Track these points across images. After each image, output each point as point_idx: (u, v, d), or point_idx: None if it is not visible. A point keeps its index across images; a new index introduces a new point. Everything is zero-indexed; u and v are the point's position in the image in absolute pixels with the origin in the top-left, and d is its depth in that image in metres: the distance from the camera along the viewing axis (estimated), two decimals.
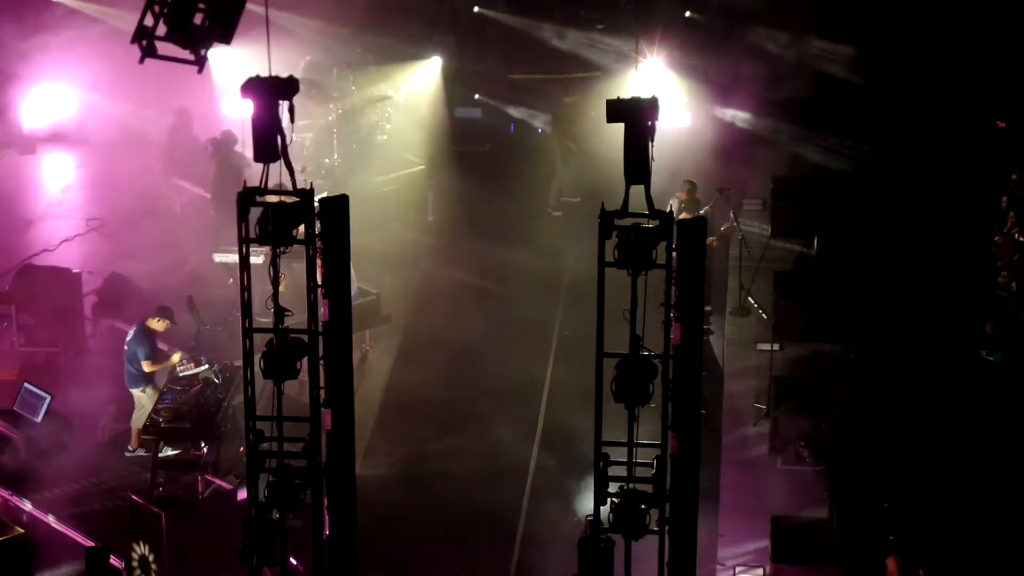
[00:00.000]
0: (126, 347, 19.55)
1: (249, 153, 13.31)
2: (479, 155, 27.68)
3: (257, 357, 13.19)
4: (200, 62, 12.83)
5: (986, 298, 22.73)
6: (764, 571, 17.50)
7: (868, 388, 21.21)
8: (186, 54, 12.79)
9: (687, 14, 29.35)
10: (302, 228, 12.97)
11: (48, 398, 18.96)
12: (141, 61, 12.79)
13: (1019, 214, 23.19)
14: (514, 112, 28.25)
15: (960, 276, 23.65)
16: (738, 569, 17.75)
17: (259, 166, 12.88)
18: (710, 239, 21.13)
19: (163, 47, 12.83)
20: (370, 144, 26.31)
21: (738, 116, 27.41)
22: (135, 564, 16.46)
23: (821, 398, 19.95)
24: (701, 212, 22.62)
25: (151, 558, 16.31)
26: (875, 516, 17.80)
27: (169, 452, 18.48)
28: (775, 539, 17.31)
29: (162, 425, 18.40)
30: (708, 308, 21.42)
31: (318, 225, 12.91)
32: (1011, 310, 21.91)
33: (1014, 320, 21.85)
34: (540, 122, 28.14)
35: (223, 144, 24.10)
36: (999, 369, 21.17)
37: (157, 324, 19.51)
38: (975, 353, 21.63)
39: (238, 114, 23.24)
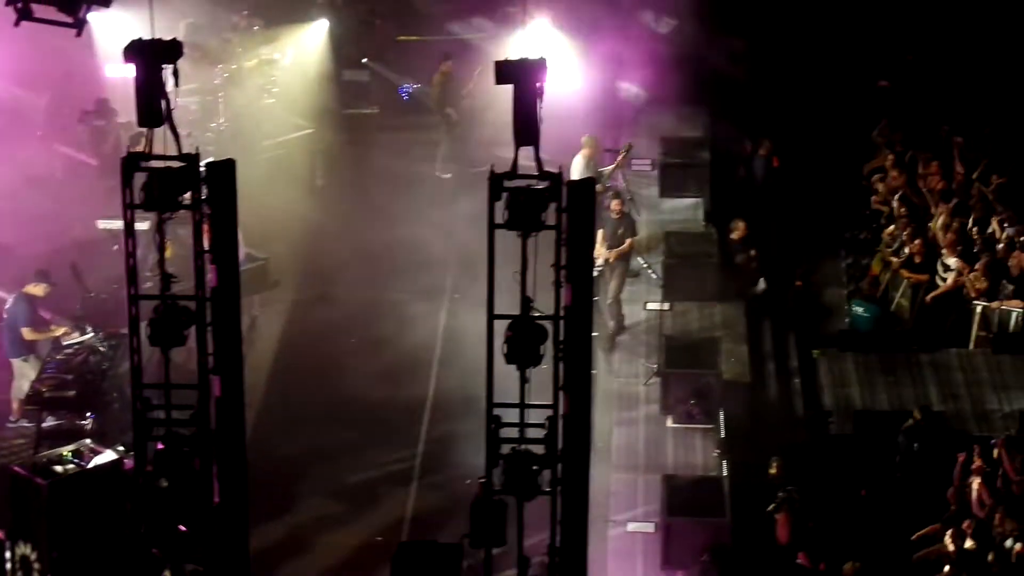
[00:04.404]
0: (5, 315, 19.27)
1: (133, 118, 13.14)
2: (368, 118, 27.48)
3: (144, 324, 13.04)
4: (79, 25, 12.64)
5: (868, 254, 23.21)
6: (656, 526, 17.63)
7: (756, 348, 21.47)
8: (64, 17, 12.59)
9: None
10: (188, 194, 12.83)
11: None
12: (17, 24, 12.57)
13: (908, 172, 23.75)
14: (392, 76, 28.08)
15: (844, 232, 24.10)
16: (630, 525, 17.87)
17: None
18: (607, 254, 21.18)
19: (40, 10, 12.61)
20: (257, 108, 26.02)
21: (625, 87, 27.46)
22: (16, 565, 16.10)
23: (711, 357, 20.08)
24: (604, 171, 22.66)
25: (33, 557, 16.00)
26: (764, 472, 18.05)
27: (53, 422, 18.22)
28: (667, 495, 17.46)
29: (45, 395, 18.15)
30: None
31: (205, 190, 12.77)
32: (892, 265, 22.36)
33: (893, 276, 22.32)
34: (408, 85, 27.99)
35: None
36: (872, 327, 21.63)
37: (35, 289, 19.22)
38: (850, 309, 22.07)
39: (122, 78, 22.82)
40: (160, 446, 13.18)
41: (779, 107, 26.87)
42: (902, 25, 27.81)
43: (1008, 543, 15.95)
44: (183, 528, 15.24)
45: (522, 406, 13.07)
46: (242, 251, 18.95)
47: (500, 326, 12.90)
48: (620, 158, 22.89)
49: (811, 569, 16.41)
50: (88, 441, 17.06)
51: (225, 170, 12.81)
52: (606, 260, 21.20)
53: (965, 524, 16.16)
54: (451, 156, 25.81)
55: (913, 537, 16.85)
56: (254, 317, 21.62)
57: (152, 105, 12.51)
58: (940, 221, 22.61)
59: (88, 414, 18.03)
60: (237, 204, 12.91)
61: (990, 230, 22.22)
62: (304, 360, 21.14)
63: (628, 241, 21.32)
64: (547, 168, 12.60)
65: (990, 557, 15.79)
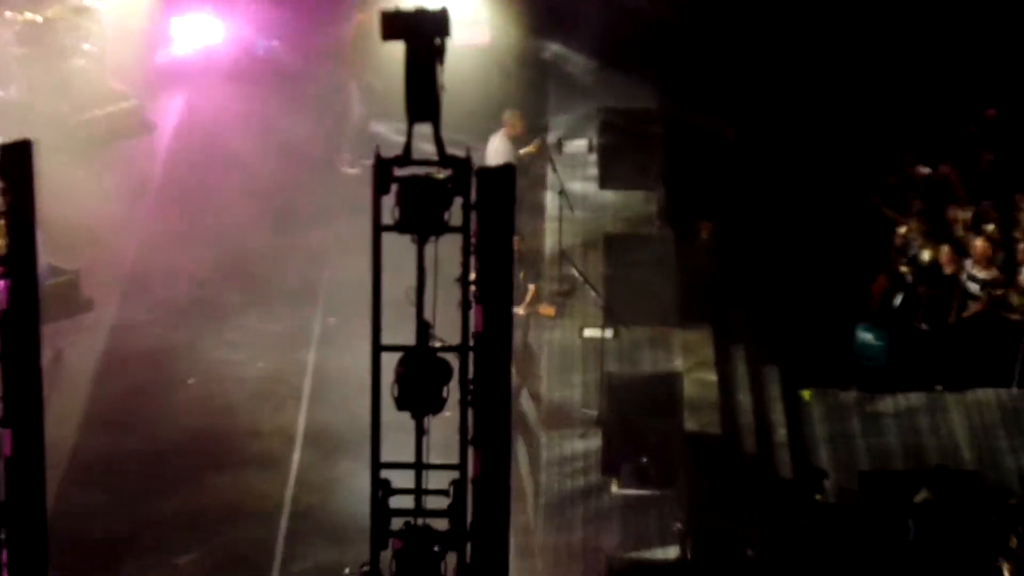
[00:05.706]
0: None
1: None
2: (218, 85, 27.38)
3: None
4: None
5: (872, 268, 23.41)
6: None
7: (728, 387, 21.56)
8: None
9: None
10: None
11: None
12: None
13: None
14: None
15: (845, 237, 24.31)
16: None
17: None
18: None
19: None
20: (63, 71, 25.92)
21: (548, 45, 27.67)
22: None
23: (669, 400, 20.12)
24: (521, 152, 22.81)
25: None
26: (740, 552, 18.12)
27: None
28: None
29: None
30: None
31: None
32: (910, 284, 22.59)
33: (912, 295, 22.54)
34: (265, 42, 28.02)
35: None
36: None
37: None
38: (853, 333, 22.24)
39: None
40: None
41: (760, 73, 27.05)
42: None
43: None
44: None
45: (419, 466, 13.04)
46: (43, 261, 18.86)
47: (389, 360, 12.86)
48: (531, 148, 23.15)
49: None
50: None
51: (20, 154, 12.72)
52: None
53: None
54: (364, 141, 25.67)
55: None
56: (60, 349, 21.52)
57: None
58: (965, 222, 22.91)
59: None
60: (35, 200, 12.82)
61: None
62: (126, 406, 21.05)
63: (531, 288, 21.46)
64: (451, 152, 12.59)
65: None
